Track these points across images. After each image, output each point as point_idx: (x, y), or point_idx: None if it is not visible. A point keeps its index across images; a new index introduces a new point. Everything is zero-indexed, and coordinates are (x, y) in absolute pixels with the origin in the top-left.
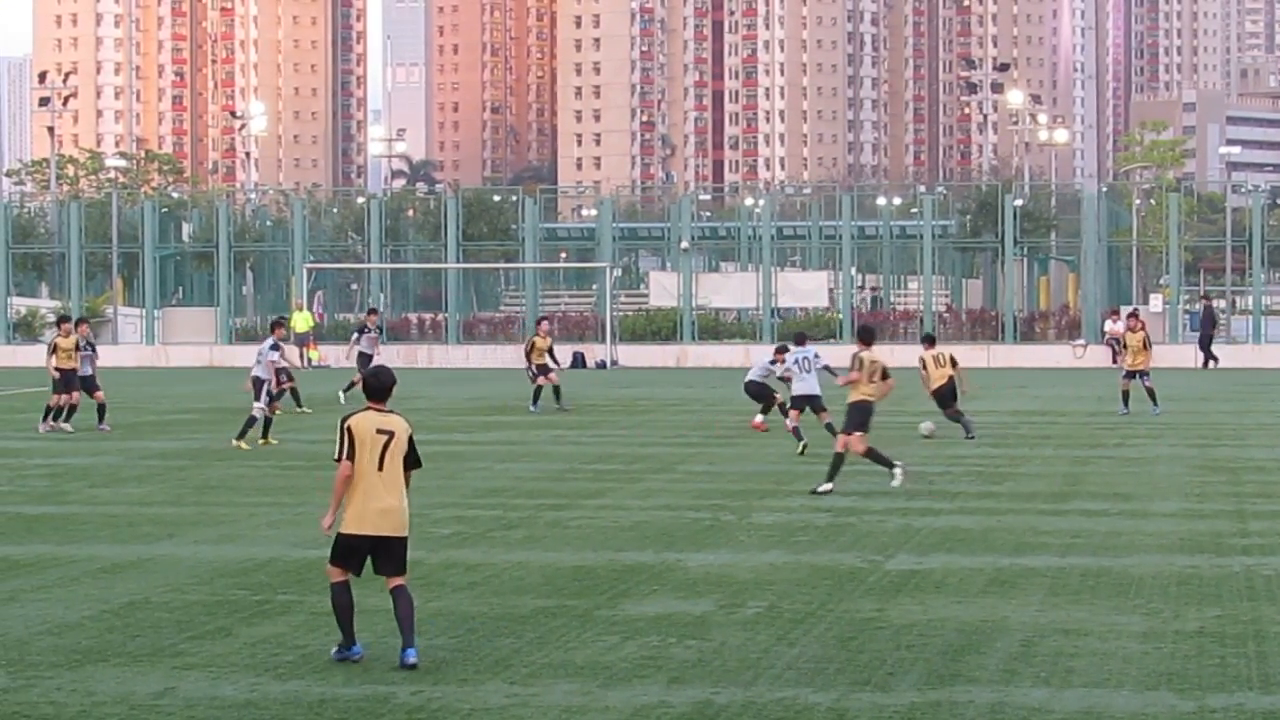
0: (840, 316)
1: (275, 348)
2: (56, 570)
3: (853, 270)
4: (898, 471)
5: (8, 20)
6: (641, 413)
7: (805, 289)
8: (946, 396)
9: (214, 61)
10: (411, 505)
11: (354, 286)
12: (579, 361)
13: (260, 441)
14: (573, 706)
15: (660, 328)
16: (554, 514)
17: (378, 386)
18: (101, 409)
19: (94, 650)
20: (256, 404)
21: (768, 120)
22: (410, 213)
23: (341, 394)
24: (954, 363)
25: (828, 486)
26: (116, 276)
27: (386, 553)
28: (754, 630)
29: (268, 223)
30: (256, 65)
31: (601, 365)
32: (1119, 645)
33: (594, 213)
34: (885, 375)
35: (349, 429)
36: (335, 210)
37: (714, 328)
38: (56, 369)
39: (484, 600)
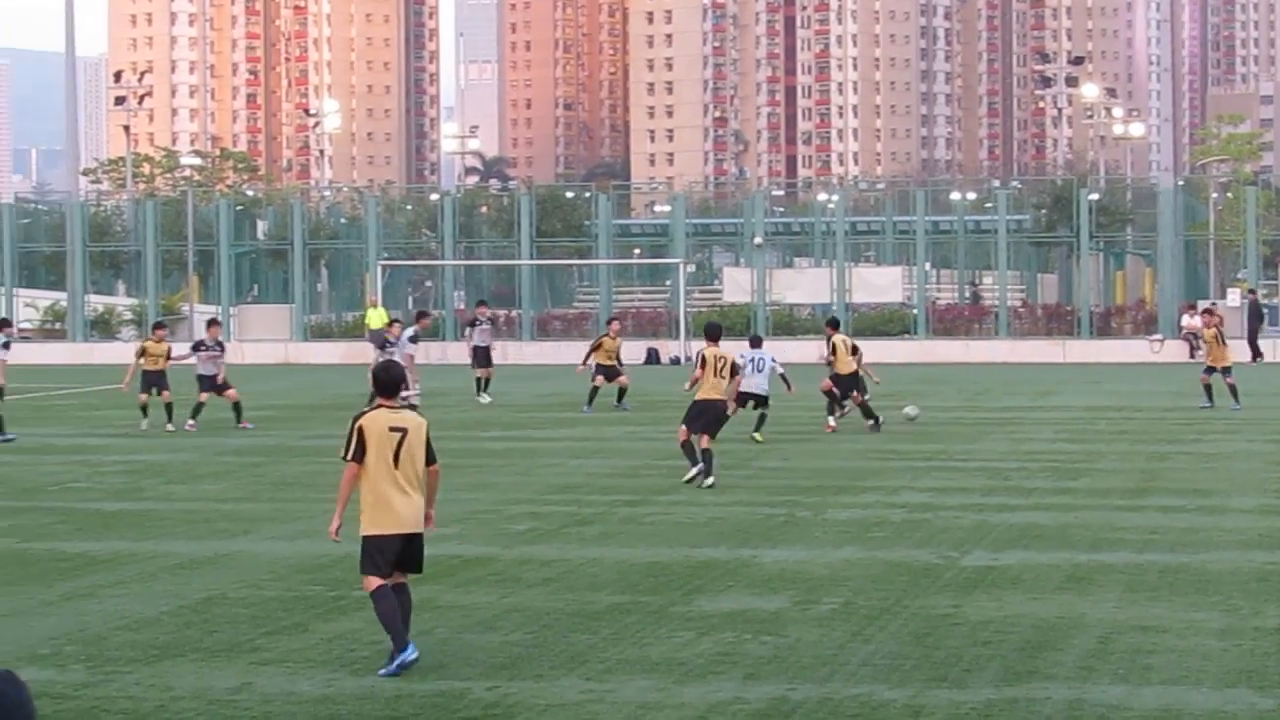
0: (915, 312)
1: (414, 339)
2: (134, 566)
3: (927, 265)
4: (710, 481)
5: (83, 20)
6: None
7: (879, 284)
8: (849, 385)
9: (287, 59)
10: (484, 501)
11: (428, 283)
12: (653, 358)
13: None
14: (648, 703)
15: (734, 324)
16: (628, 510)
17: (387, 380)
18: (238, 407)
19: (171, 645)
20: (408, 391)
21: (841, 115)
22: (484, 209)
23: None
24: (855, 350)
25: (695, 471)
26: (192, 274)
27: (411, 550)
28: (829, 627)
29: (342, 220)
30: (330, 63)
31: (675, 361)
32: (1197, 642)
33: (667, 209)
34: (734, 372)
35: (360, 428)
36: (409, 207)
37: (788, 323)
38: (144, 370)
39: (559, 596)
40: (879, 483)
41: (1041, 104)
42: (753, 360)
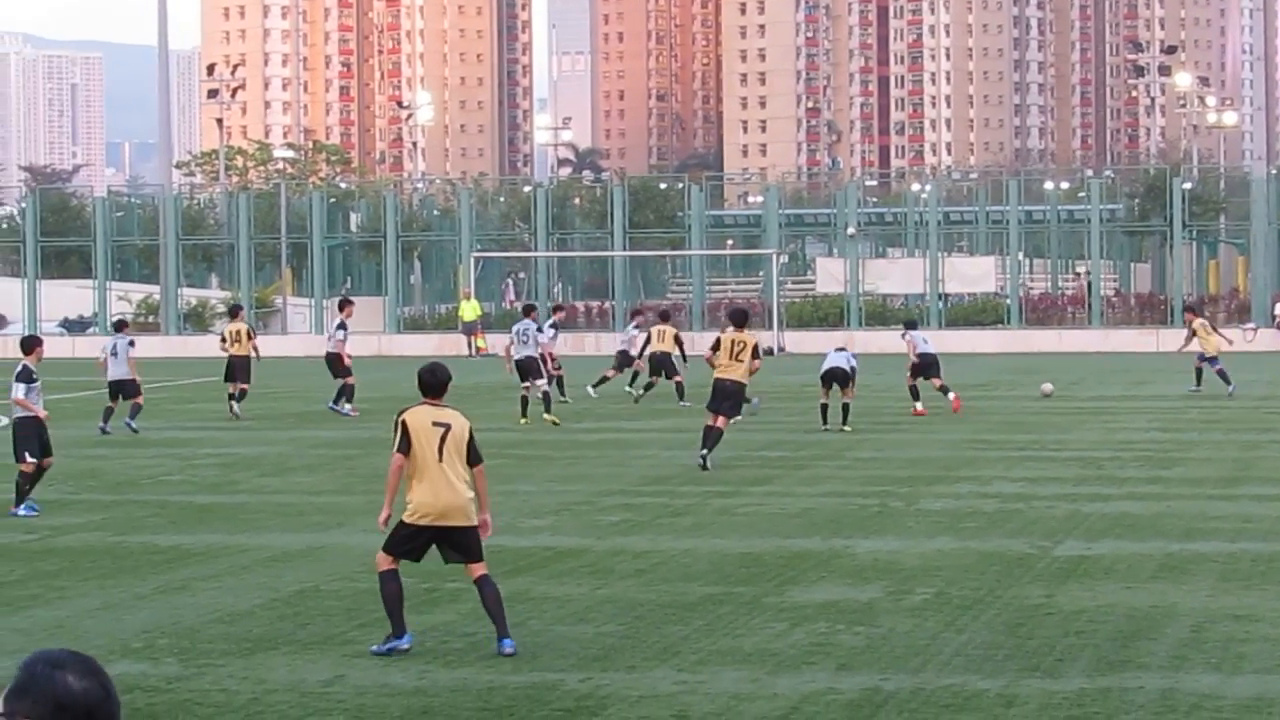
0: (1008, 302)
1: (555, 326)
2: (227, 559)
3: (1020, 255)
4: (706, 458)
5: (176, 14)
6: (808, 399)
7: (972, 274)
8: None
9: (380, 52)
10: (578, 493)
11: (521, 275)
12: None
13: (546, 417)
14: (741, 694)
15: (827, 314)
16: (721, 501)
17: (432, 383)
18: (350, 390)
19: (265, 638)
20: (540, 381)
21: (934, 105)
22: (576, 201)
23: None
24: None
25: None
26: (285, 267)
27: (453, 543)
28: (922, 617)
29: (435, 212)
30: (422, 55)
31: (769, 352)
32: None
33: (760, 199)
34: (755, 355)
35: (403, 423)
36: (502, 199)
37: (881, 314)
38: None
39: (652, 587)
40: (972, 473)
41: (1134, 93)
42: (838, 349)
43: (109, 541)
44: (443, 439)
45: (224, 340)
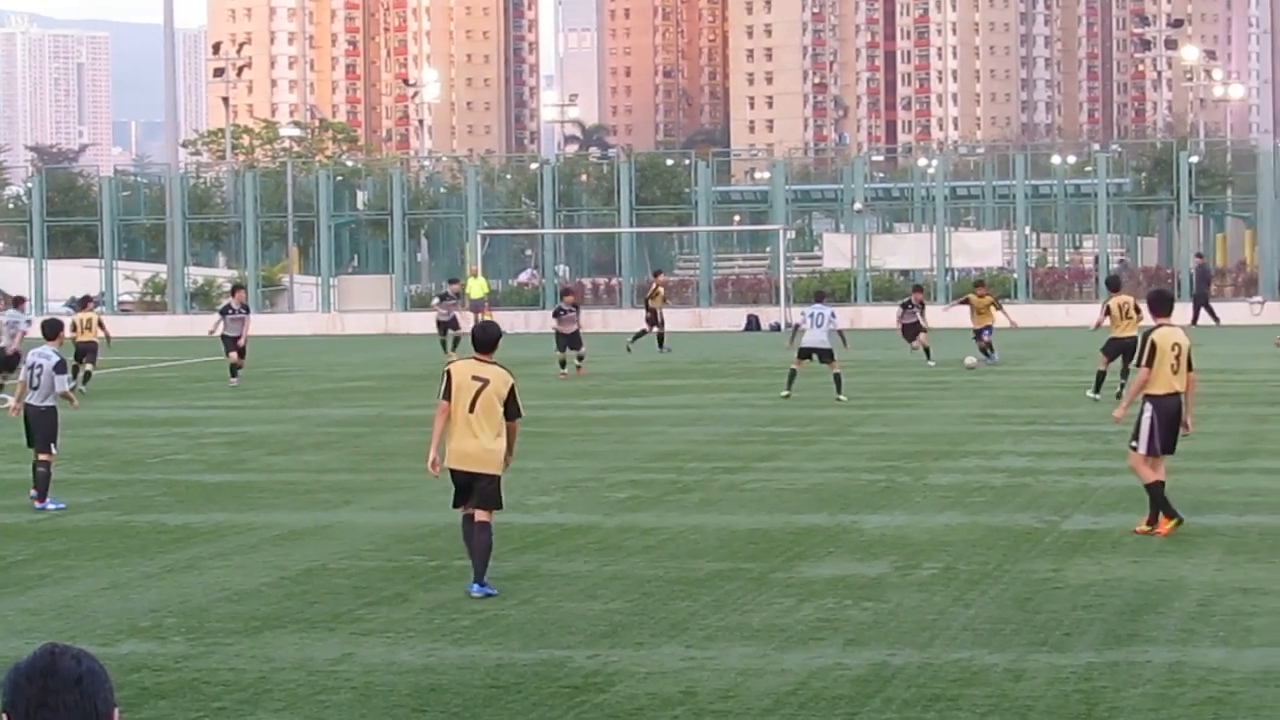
0: (1015, 276)
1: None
2: (235, 538)
3: (1027, 230)
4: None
5: None
6: (815, 375)
7: (979, 249)
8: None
9: (386, 29)
10: (586, 469)
11: (528, 252)
12: (753, 324)
13: None
14: (749, 669)
15: (834, 289)
16: (729, 477)
17: (482, 339)
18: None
19: (272, 617)
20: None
21: (940, 80)
22: (583, 178)
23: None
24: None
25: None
26: (292, 245)
27: (474, 487)
28: (930, 592)
29: (441, 190)
30: (429, 33)
31: (775, 328)
32: None
33: (767, 175)
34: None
35: (448, 373)
36: (509, 176)
37: (888, 289)
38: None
39: (660, 564)
40: (980, 447)
41: (1141, 67)
42: (812, 315)
43: (116, 521)
44: (478, 393)
45: (74, 328)
